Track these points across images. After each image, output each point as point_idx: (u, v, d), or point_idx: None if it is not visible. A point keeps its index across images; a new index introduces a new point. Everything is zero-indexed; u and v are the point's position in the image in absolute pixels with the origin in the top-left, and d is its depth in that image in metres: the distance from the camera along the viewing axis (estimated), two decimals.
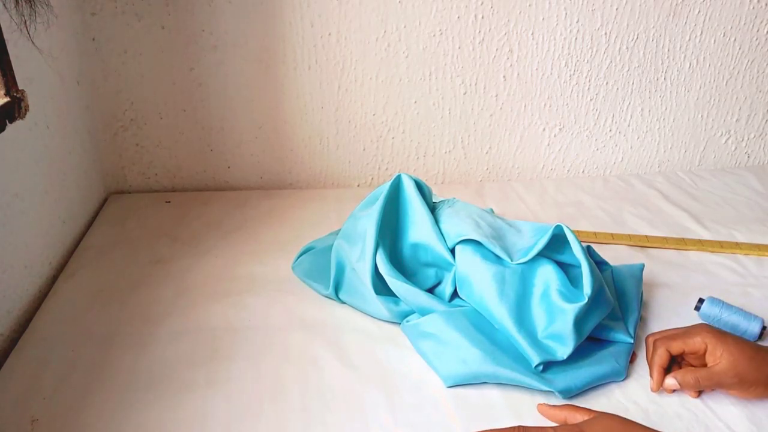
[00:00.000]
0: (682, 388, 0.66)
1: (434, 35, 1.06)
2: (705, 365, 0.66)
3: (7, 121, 0.70)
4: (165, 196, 1.09)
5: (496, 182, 1.20)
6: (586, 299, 0.68)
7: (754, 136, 1.27)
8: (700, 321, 0.78)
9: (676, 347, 0.67)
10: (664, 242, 0.97)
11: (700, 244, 0.96)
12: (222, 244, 0.94)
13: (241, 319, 0.77)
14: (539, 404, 0.64)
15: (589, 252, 0.81)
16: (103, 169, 1.08)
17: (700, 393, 0.67)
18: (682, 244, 0.96)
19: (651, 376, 0.68)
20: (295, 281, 0.85)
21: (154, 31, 0.99)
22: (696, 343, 0.66)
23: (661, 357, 0.68)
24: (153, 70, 1.02)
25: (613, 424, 0.57)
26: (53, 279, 0.85)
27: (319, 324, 0.77)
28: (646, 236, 0.98)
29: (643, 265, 0.85)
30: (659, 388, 0.67)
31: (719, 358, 0.64)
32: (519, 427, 0.58)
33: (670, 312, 0.81)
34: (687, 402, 0.66)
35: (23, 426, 0.61)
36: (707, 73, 1.18)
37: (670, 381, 0.66)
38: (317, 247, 0.88)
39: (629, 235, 0.99)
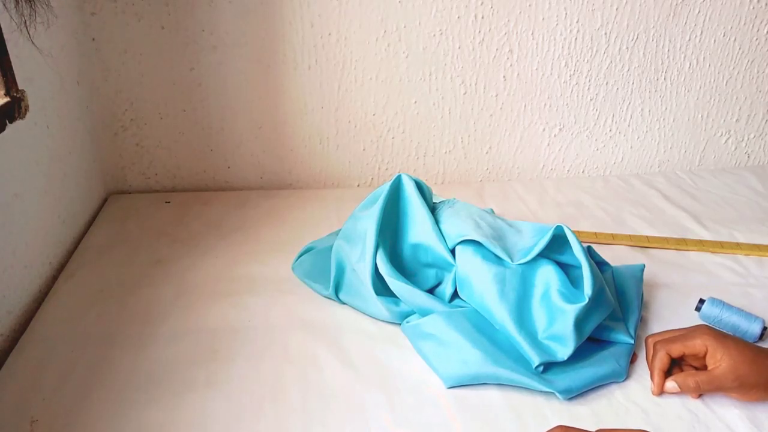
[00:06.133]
0: (683, 391, 0.66)
1: (434, 35, 1.06)
2: (705, 366, 0.66)
3: (7, 121, 0.70)
4: (165, 196, 1.09)
5: (496, 182, 1.20)
6: (587, 300, 0.68)
7: (754, 136, 1.26)
8: (701, 321, 0.78)
9: (677, 350, 0.67)
10: (664, 242, 0.97)
11: (701, 245, 0.96)
12: (222, 244, 0.94)
13: (241, 320, 0.77)
14: None
15: (590, 252, 0.81)
16: (103, 169, 1.08)
17: (700, 394, 0.67)
18: (682, 244, 0.96)
19: (652, 379, 0.68)
20: (295, 281, 0.85)
21: (154, 31, 0.99)
22: (696, 345, 0.66)
23: (661, 360, 0.67)
24: (153, 70, 1.02)
25: None
26: (53, 279, 0.85)
27: (319, 324, 0.77)
28: (647, 236, 0.98)
29: (644, 266, 0.85)
30: (660, 391, 0.67)
31: (719, 361, 0.64)
32: (560, 426, 0.57)
33: (671, 312, 0.81)
34: (688, 403, 0.66)
35: (23, 426, 0.61)
36: (707, 73, 1.18)
37: (671, 384, 0.66)
38: (317, 248, 0.88)
39: (630, 235, 0.99)
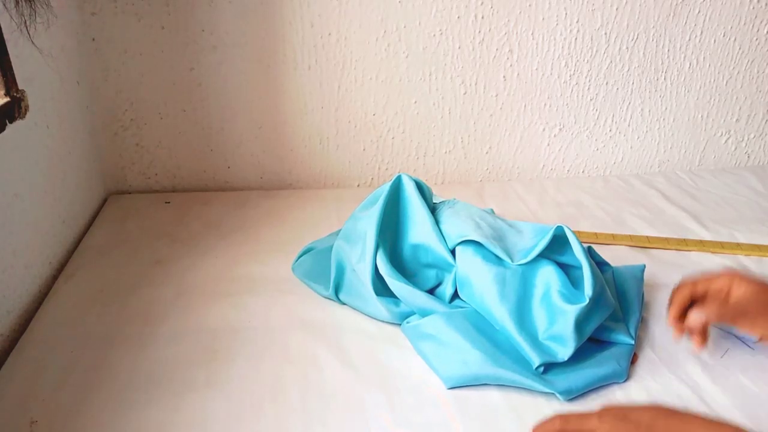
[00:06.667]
0: (706, 319, 0.65)
1: (434, 35, 1.06)
2: None
3: (7, 121, 0.70)
4: (165, 196, 1.09)
5: (496, 182, 1.20)
6: (587, 300, 0.68)
7: (754, 136, 1.26)
8: None
9: (701, 286, 0.67)
10: (665, 243, 0.96)
11: (702, 245, 0.96)
12: (222, 244, 0.94)
13: (241, 320, 0.77)
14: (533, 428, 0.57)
15: (590, 253, 0.81)
16: (103, 169, 1.08)
17: (705, 341, 0.66)
18: (683, 244, 0.96)
19: (669, 311, 0.68)
20: (295, 281, 0.85)
21: (154, 31, 0.99)
22: (721, 280, 0.66)
23: (683, 293, 0.68)
24: (153, 70, 1.02)
25: (661, 410, 0.52)
26: (53, 279, 0.85)
27: (319, 324, 0.77)
28: (647, 237, 0.98)
29: (644, 266, 0.85)
30: (676, 319, 0.67)
31: (744, 290, 0.64)
32: (557, 415, 0.55)
33: None
34: (689, 403, 0.66)
35: (22, 428, 0.61)
36: (707, 73, 1.18)
37: (695, 315, 0.65)
38: (317, 248, 0.88)
39: (630, 235, 0.98)
